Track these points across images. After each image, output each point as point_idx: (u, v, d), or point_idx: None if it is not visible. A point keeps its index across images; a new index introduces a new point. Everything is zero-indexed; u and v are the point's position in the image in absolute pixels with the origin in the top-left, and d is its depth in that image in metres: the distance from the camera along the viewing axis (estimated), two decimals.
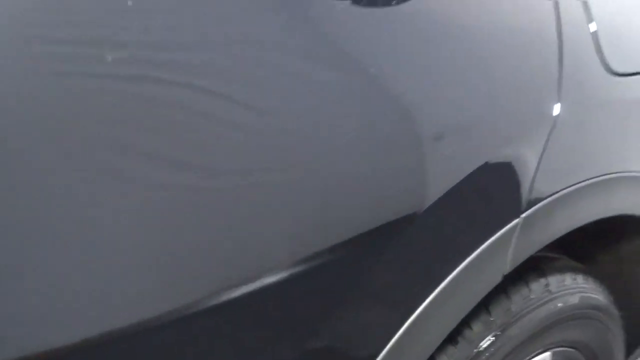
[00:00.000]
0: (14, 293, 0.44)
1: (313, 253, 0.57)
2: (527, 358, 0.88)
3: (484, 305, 0.83)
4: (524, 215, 0.75)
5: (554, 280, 0.89)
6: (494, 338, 0.82)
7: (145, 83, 0.47)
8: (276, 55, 0.54)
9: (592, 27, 0.76)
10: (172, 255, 0.49)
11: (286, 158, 0.54)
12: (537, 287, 0.87)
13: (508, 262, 0.76)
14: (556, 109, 0.74)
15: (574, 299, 0.90)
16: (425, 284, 0.68)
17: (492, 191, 0.72)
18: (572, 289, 0.90)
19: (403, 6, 0.61)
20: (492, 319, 0.83)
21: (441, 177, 0.65)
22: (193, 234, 0.50)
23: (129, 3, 0.46)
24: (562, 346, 0.93)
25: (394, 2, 0.61)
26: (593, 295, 0.93)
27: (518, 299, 0.85)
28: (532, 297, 0.86)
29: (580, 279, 0.93)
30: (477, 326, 0.82)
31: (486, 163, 0.69)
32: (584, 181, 0.79)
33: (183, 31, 0.49)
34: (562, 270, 0.91)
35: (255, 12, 0.52)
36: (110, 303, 0.47)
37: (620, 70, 0.78)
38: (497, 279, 0.76)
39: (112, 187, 0.46)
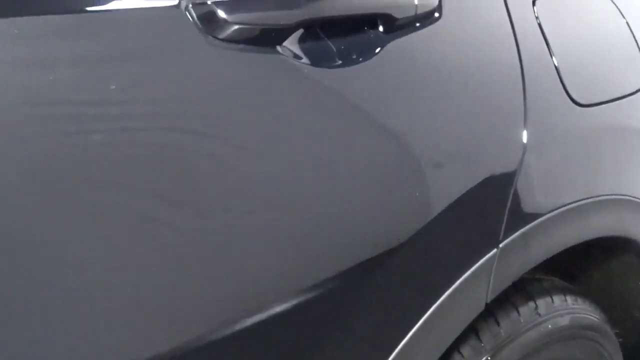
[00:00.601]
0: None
1: (294, 293, 0.61)
2: None
3: (474, 330, 0.86)
4: (501, 245, 0.78)
5: (542, 303, 0.92)
6: None
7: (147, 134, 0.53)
8: (268, 106, 0.59)
9: (554, 61, 0.80)
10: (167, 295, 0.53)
11: (275, 199, 0.59)
12: (525, 310, 0.90)
13: (489, 291, 0.79)
14: (524, 140, 0.78)
15: (564, 321, 0.92)
16: (408, 317, 0.71)
17: (468, 223, 0.76)
18: (562, 310, 0.93)
19: (373, 60, 0.66)
20: (482, 344, 0.86)
21: (417, 212, 0.69)
22: (189, 272, 0.54)
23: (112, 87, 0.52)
24: None
25: (360, 59, 0.66)
26: (584, 315, 0.95)
27: (507, 323, 0.88)
28: (521, 320, 0.89)
29: (569, 299, 0.95)
30: (467, 352, 0.85)
31: (461, 196, 0.73)
32: (558, 208, 0.82)
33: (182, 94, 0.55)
34: (550, 291, 0.94)
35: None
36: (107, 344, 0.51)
37: (584, 101, 0.82)
38: (480, 307, 0.79)
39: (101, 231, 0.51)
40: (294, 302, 0.61)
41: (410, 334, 0.71)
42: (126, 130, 0.52)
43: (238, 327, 0.57)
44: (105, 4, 0.53)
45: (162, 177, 0.53)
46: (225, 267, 0.56)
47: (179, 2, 0.55)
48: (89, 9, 0.52)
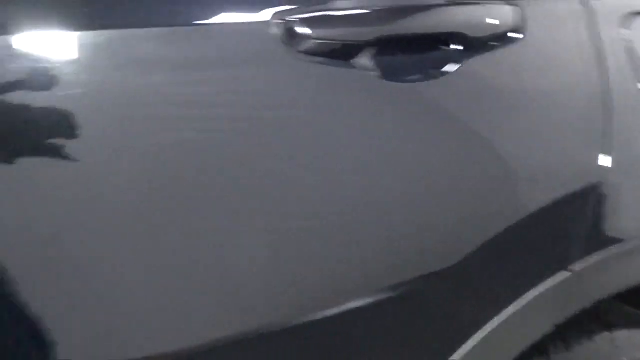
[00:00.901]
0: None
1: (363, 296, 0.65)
2: None
3: (543, 353, 0.84)
4: (573, 267, 0.77)
5: (620, 335, 0.88)
6: None
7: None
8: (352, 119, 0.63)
9: None
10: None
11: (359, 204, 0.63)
12: (600, 339, 0.87)
13: (559, 313, 0.78)
14: (607, 163, 0.76)
15: None
16: (468, 328, 0.72)
17: (540, 242, 0.76)
18: None
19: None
20: None
21: (489, 226, 0.71)
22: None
23: None
24: None
25: (436, 75, 0.69)
26: None
27: (578, 349, 0.85)
28: (595, 350, 0.86)
29: None
30: None
31: (534, 213, 0.73)
32: None
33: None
34: (631, 324, 0.90)
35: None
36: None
37: None
38: (546, 328, 0.78)
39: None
40: (357, 304, 0.64)
41: (470, 345, 0.72)
42: (217, 132, 0.58)
43: (300, 322, 0.61)
44: (205, 18, 0.61)
45: (244, 179, 0.58)
46: (313, 265, 0.61)
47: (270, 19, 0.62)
48: (191, 22, 0.60)
